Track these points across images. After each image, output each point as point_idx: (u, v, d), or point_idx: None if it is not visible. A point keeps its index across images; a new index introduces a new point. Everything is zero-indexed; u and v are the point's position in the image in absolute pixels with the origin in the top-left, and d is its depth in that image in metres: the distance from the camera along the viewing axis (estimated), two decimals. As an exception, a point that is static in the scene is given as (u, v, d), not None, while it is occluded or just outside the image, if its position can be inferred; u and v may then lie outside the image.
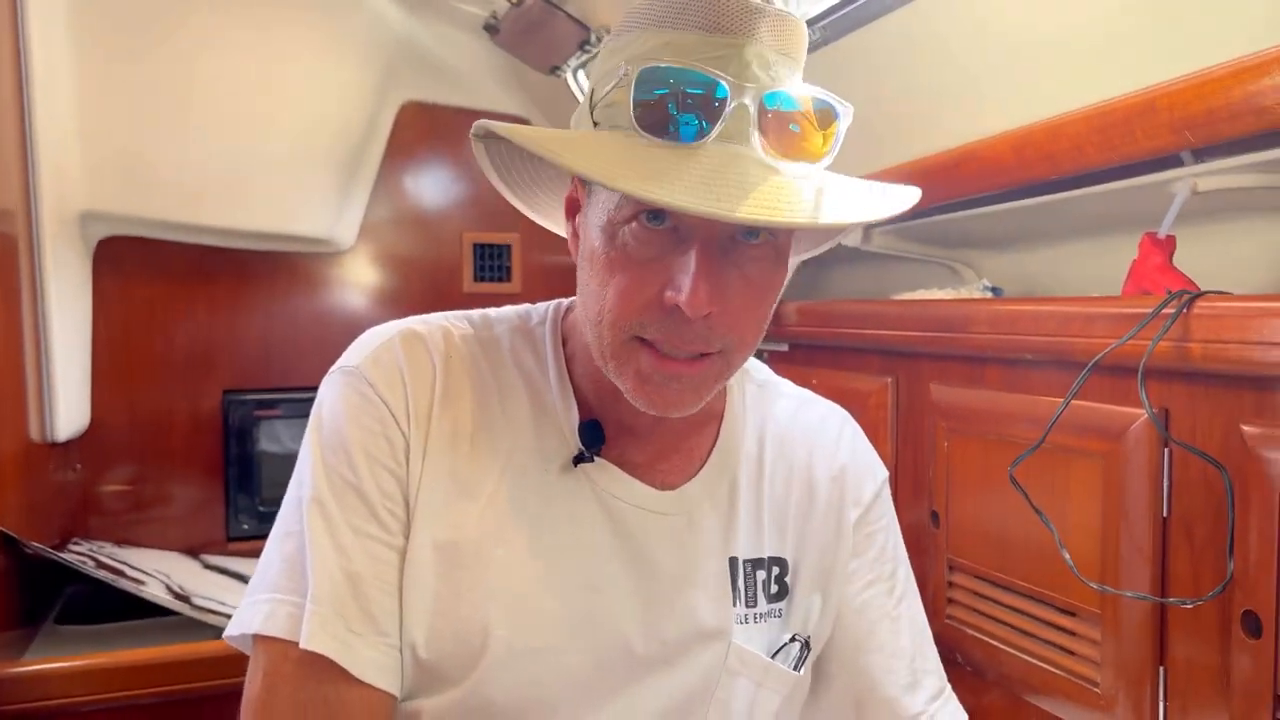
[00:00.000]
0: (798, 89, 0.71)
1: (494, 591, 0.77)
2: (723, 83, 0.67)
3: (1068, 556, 1.01)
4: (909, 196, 0.73)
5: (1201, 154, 1.00)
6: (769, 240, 0.73)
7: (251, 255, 2.32)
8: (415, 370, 0.81)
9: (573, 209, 0.82)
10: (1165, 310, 0.94)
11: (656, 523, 0.83)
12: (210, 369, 2.32)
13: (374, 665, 0.74)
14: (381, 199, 2.48)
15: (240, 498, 2.33)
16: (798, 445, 0.93)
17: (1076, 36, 1.06)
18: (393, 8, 2.27)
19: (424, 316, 0.86)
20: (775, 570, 0.87)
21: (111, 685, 1.57)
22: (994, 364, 1.25)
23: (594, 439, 0.82)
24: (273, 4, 2.13)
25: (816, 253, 0.91)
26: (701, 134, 0.68)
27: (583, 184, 0.79)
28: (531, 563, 0.79)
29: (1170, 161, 1.03)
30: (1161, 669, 1.01)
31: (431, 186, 2.55)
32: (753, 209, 0.63)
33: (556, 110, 2.47)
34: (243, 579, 2.11)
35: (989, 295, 1.46)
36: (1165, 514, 1.00)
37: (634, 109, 0.68)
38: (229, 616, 1.81)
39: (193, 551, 2.28)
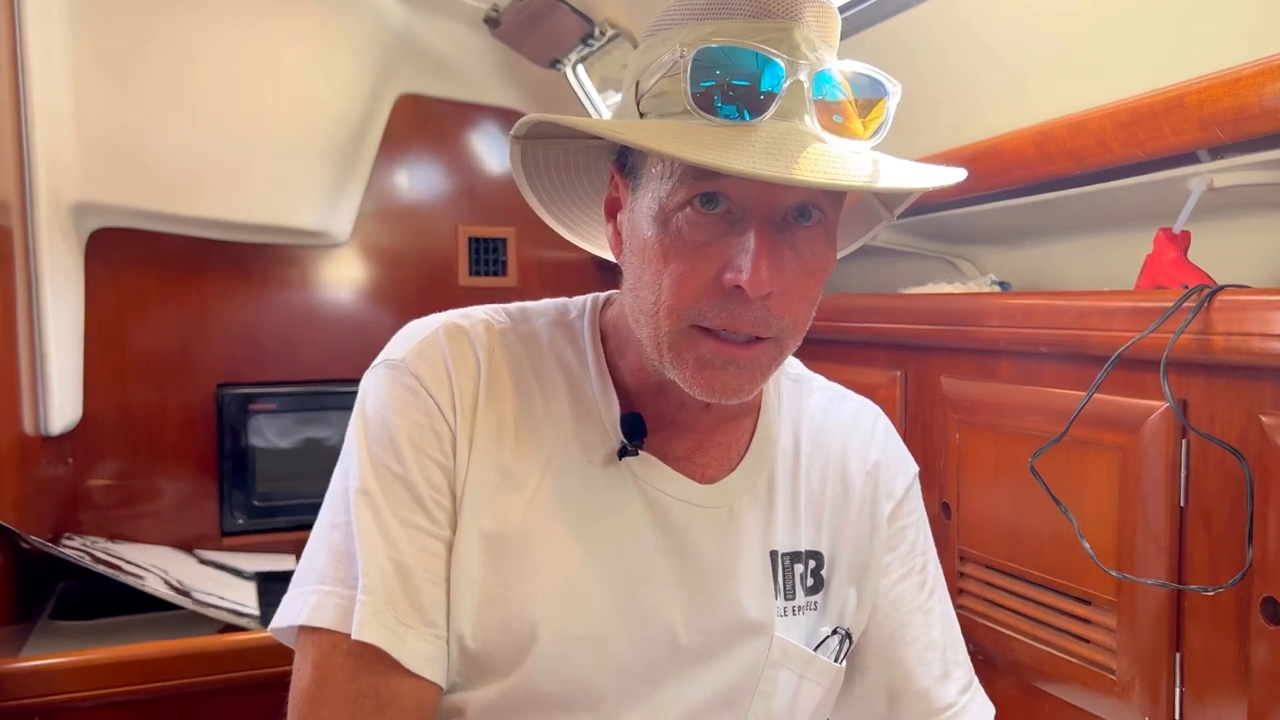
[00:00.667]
0: (849, 66, 0.72)
1: (541, 583, 0.78)
2: (778, 60, 0.68)
3: (1088, 546, 1.03)
4: (957, 174, 0.74)
5: (1218, 151, 1.01)
6: (820, 221, 0.74)
7: (246, 247, 2.31)
8: (460, 363, 0.81)
9: (613, 209, 0.83)
10: (1187, 304, 0.95)
11: (699, 515, 0.84)
12: (204, 362, 2.30)
13: (423, 656, 0.74)
14: (377, 192, 2.47)
15: (234, 492, 2.31)
16: (833, 439, 0.94)
17: (1091, 36, 1.08)
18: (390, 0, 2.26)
19: (463, 310, 0.86)
20: (812, 564, 0.88)
21: (111, 680, 1.56)
22: (1006, 357, 1.26)
23: (636, 431, 0.82)
24: (271, -6, 2.11)
25: (851, 249, 0.92)
26: (759, 111, 0.68)
27: (625, 181, 0.79)
28: (577, 554, 0.79)
29: (1186, 158, 1.05)
30: (1178, 655, 1.03)
31: (427, 179, 2.54)
32: (813, 174, 0.64)
33: (553, 105, 2.47)
34: (239, 574, 2.10)
35: (997, 290, 1.48)
36: (1183, 504, 1.02)
37: (690, 89, 0.69)
38: (231, 611, 1.80)
39: (186, 546, 2.26)
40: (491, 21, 2.11)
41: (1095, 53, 1.04)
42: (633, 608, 0.80)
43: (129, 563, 1.96)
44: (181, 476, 2.29)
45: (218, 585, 1.97)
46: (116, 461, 2.24)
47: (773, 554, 0.87)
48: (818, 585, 0.89)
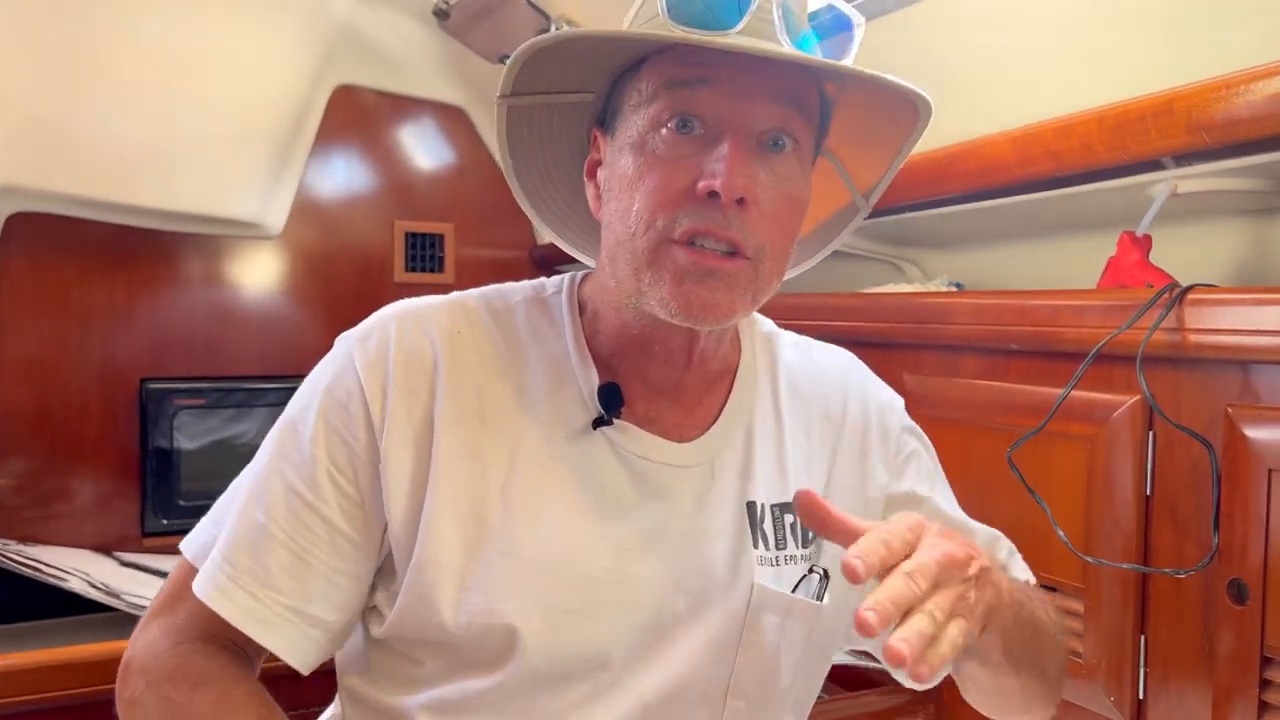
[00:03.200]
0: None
1: (526, 561, 0.78)
2: None
3: (1062, 533, 1.07)
4: (925, 97, 0.78)
5: (1183, 158, 1.07)
6: (794, 150, 0.77)
7: (174, 237, 2.22)
8: (406, 351, 0.81)
9: (593, 170, 0.85)
10: (1160, 301, 1.00)
11: (680, 475, 0.85)
12: (127, 356, 2.20)
13: (247, 614, 0.79)
14: (311, 184, 2.41)
15: (157, 492, 2.21)
16: (813, 390, 0.95)
17: (1064, 45, 1.13)
18: (335, -14, 2.21)
19: (443, 295, 0.88)
20: None
21: (41, 685, 1.47)
22: (970, 354, 1.30)
23: (614, 401, 0.83)
24: (210, -27, 2.04)
25: (829, 250, 0.97)
26: (728, 24, 0.72)
27: (605, 135, 0.82)
28: (561, 528, 0.80)
29: (1149, 165, 1.10)
30: (1142, 638, 1.08)
31: (363, 173, 2.49)
32: (791, 55, 0.71)
33: (496, 101, 2.45)
34: (165, 576, 2.01)
35: (953, 290, 1.53)
36: (1148, 494, 1.07)
37: (665, 4, 0.73)
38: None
39: (105, 549, 2.16)
40: (441, 13, 2.08)
41: (1079, 57, 1.09)
42: (622, 576, 0.81)
43: (49, 565, 1.86)
44: (100, 475, 2.19)
45: (145, 587, 1.88)
46: (29, 460, 2.12)
47: (750, 504, 0.87)
48: (811, 536, 0.89)
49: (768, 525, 0.88)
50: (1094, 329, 1.07)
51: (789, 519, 0.89)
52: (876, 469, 0.95)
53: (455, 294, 0.88)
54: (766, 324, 1.00)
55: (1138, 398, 1.06)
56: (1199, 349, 0.99)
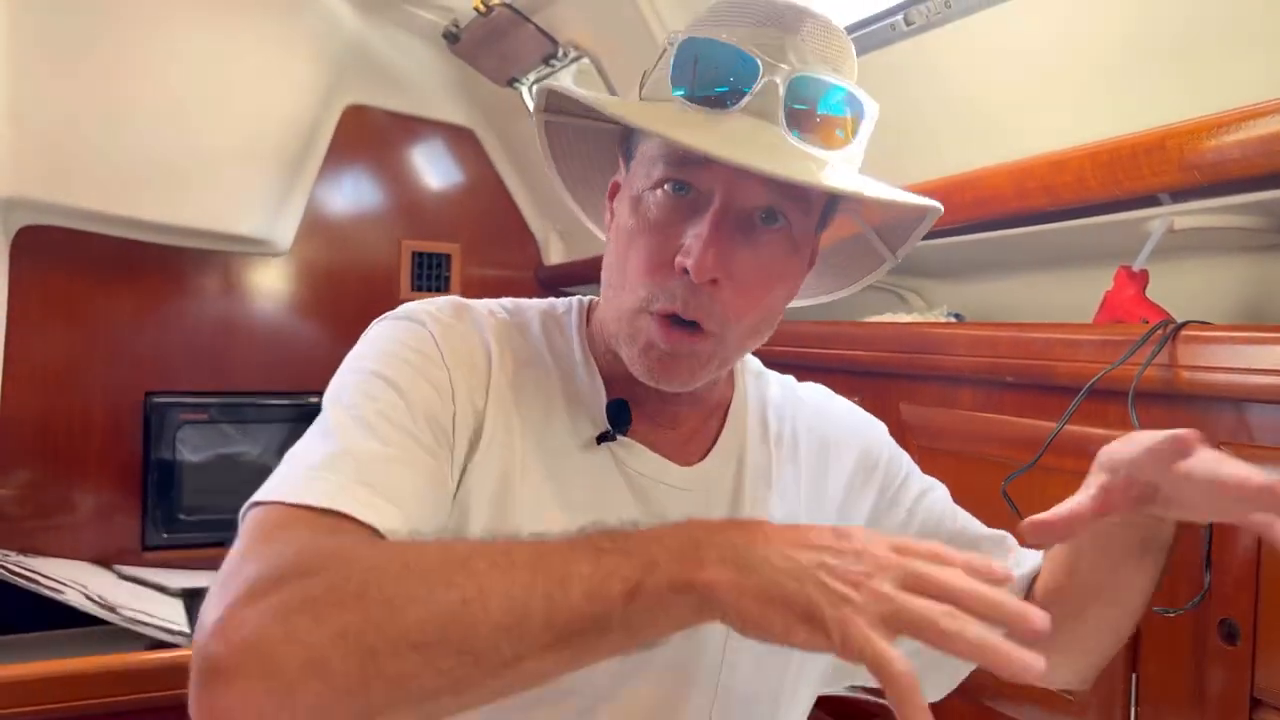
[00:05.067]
0: (827, 77, 0.76)
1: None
2: (754, 58, 0.73)
3: (1054, 568, 1.06)
4: (931, 204, 0.80)
5: (1179, 194, 1.07)
6: (784, 228, 0.78)
7: (182, 252, 2.24)
8: (465, 334, 0.82)
9: (614, 193, 0.86)
10: (1153, 337, 1.00)
11: (676, 498, 0.86)
12: (132, 369, 2.22)
13: (391, 521, 0.66)
14: (320, 202, 2.44)
15: (159, 506, 2.22)
16: (798, 424, 0.97)
17: (1072, 77, 1.13)
18: (347, 8, 2.23)
19: (458, 298, 0.88)
20: None
21: (35, 698, 1.48)
22: (968, 385, 1.30)
23: (622, 417, 0.84)
24: (224, -6, 2.07)
25: (849, 290, 0.96)
26: (732, 102, 0.73)
27: (626, 166, 0.84)
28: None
29: (1146, 200, 1.10)
30: (1134, 676, 1.07)
31: (371, 192, 2.51)
32: (768, 165, 0.69)
33: (504, 123, 2.47)
34: (164, 590, 2.01)
35: (952, 320, 1.53)
36: (1141, 530, 1.06)
37: (671, 72, 0.75)
38: (159, 628, 1.73)
39: (104, 561, 2.17)
40: (450, 36, 2.10)
41: (1076, 93, 1.10)
42: None
43: (46, 576, 1.86)
44: (102, 488, 2.20)
45: (142, 601, 1.89)
46: (31, 470, 2.14)
47: None
48: None
49: None
50: (1088, 363, 1.07)
51: None
52: (864, 499, 0.96)
53: (477, 301, 0.88)
54: (755, 364, 1.01)
55: (1131, 434, 1.05)
56: (1192, 386, 0.98)
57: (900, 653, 0.54)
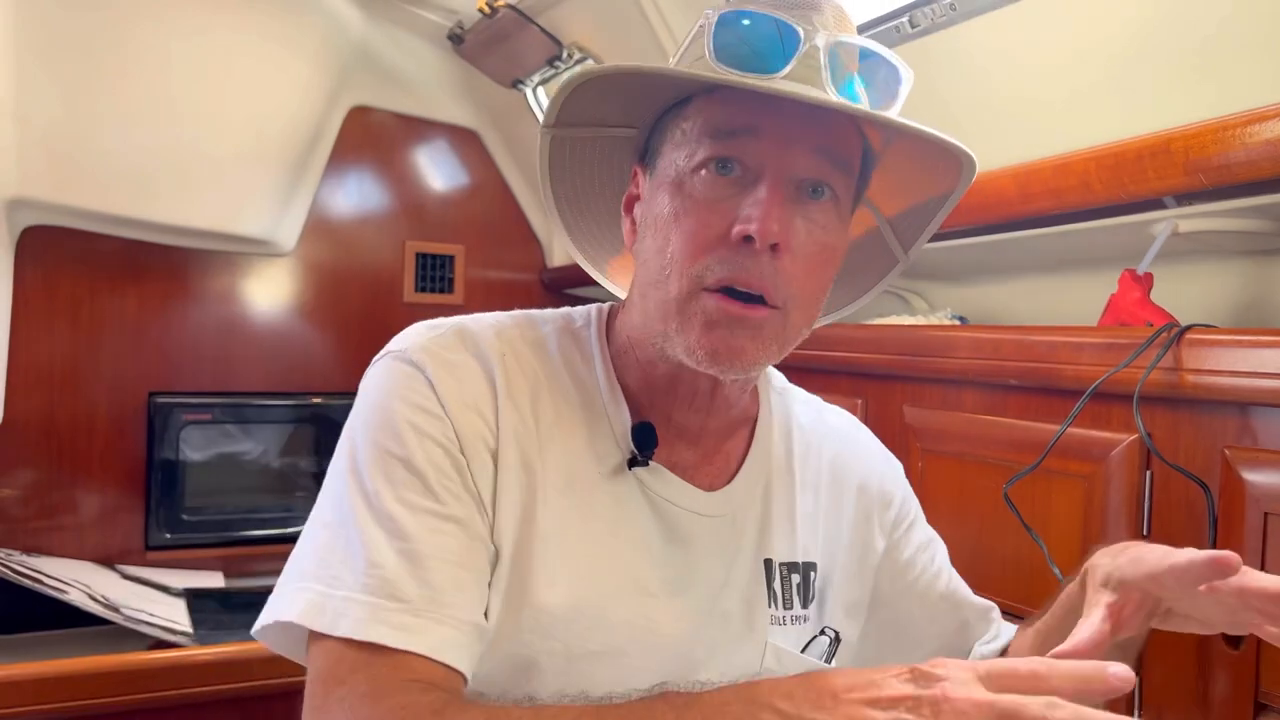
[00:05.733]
0: (865, 42, 0.76)
1: (553, 600, 0.76)
2: (794, 25, 0.73)
3: (1058, 571, 1.06)
4: (969, 155, 0.78)
5: (1184, 198, 1.07)
6: (832, 199, 0.76)
7: (187, 253, 2.24)
8: (466, 366, 0.79)
9: (631, 204, 0.84)
10: (1158, 340, 1.00)
11: (703, 524, 0.84)
12: (136, 369, 2.22)
13: (444, 642, 0.69)
14: (324, 203, 2.44)
15: (162, 506, 2.22)
16: (823, 452, 0.95)
17: (1083, 80, 1.13)
18: (352, 10, 2.23)
19: (471, 315, 0.85)
20: (810, 575, 0.90)
21: (39, 697, 1.48)
22: (971, 388, 1.30)
23: (647, 442, 0.81)
24: (229, -5, 2.07)
25: (866, 299, 0.95)
26: (774, 69, 0.72)
27: (645, 171, 0.82)
28: (586, 567, 0.78)
29: (1151, 204, 1.10)
30: (1138, 680, 1.07)
31: (375, 193, 2.51)
32: (837, 104, 0.70)
33: (509, 124, 2.47)
34: (167, 590, 2.02)
35: (956, 323, 1.53)
36: (1145, 533, 1.06)
37: (713, 42, 0.73)
38: (162, 628, 1.73)
39: (107, 561, 2.17)
40: (455, 38, 2.11)
41: (1085, 96, 1.09)
42: (639, 621, 0.79)
43: (49, 576, 1.87)
44: (106, 488, 2.20)
45: (145, 601, 1.89)
46: (36, 470, 2.14)
47: (767, 562, 0.87)
48: (813, 596, 0.90)
49: (778, 584, 0.87)
50: (1091, 366, 1.07)
51: (795, 579, 0.89)
52: (876, 536, 0.95)
53: (488, 314, 0.86)
54: (779, 379, 0.99)
55: (1135, 437, 1.05)
56: (1196, 389, 0.98)
57: None
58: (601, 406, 0.83)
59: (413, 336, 0.80)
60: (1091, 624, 0.70)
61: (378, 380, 0.79)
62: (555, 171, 0.86)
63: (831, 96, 0.72)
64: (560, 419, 0.81)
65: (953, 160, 0.78)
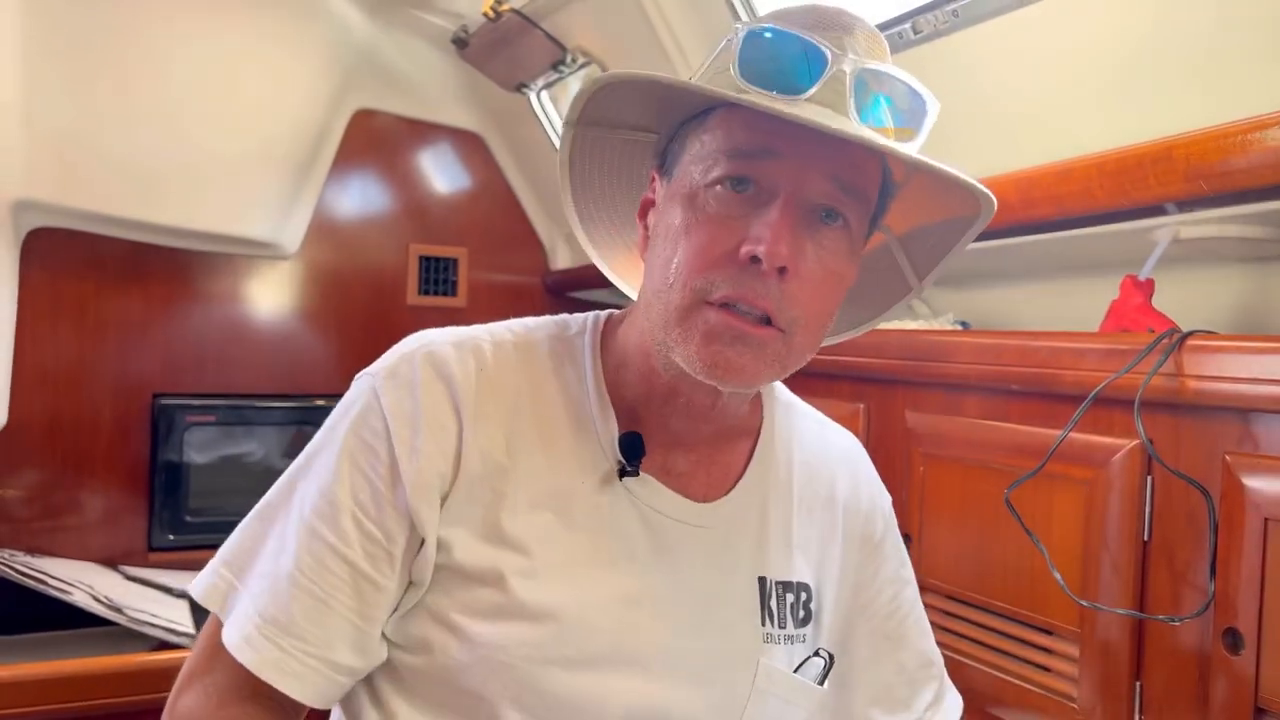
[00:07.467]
0: (892, 71, 0.75)
1: (538, 612, 0.77)
2: (822, 48, 0.72)
3: (1059, 576, 1.07)
4: (988, 196, 0.79)
5: (1185, 204, 1.08)
6: (844, 226, 0.76)
7: (191, 255, 2.25)
8: (432, 389, 0.79)
9: (645, 210, 0.84)
10: (1159, 346, 1.00)
11: (693, 536, 0.84)
12: (140, 371, 2.23)
13: (288, 673, 0.76)
14: (328, 206, 2.44)
15: (166, 507, 2.23)
16: (822, 472, 0.95)
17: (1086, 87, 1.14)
18: (356, 14, 2.24)
19: (464, 331, 0.85)
20: (804, 595, 0.89)
21: (43, 698, 1.48)
22: (973, 393, 1.30)
23: (635, 451, 0.81)
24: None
25: (876, 323, 0.95)
26: (799, 90, 0.72)
27: (662, 178, 0.82)
28: (573, 577, 0.79)
29: (1153, 210, 1.11)
30: (1138, 685, 1.07)
31: (379, 196, 2.52)
32: (859, 134, 0.69)
33: (512, 128, 2.48)
34: (169, 591, 2.02)
35: (959, 328, 1.53)
36: (1146, 539, 1.06)
37: (739, 60, 0.72)
38: (165, 629, 1.74)
39: (111, 562, 2.18)
40: (460, 42, 2.11)
41: (1089, 102, 1.10)
42: (626, 632, 0.79)
43: (53, 577, 1.87)
44: (109, 489, 2.21)
45: (149, 602, 1.90)
46: (40, 471, 2.15)
47: (761, 580, 0.87)
48: (808, 617, 0.89)
49: (773, 602, 0.87)
50: (1093, 372, 1.07)
51: (790, 598, 0.88)
52: (860, 562, 0.96)
53: (478, 327, 0.86)
54: (785, 392, 0.99)
55: (1136, 442, 1.05)
56: (1198, 395, 0.99)
57: None
58: (589, 416, 0.83)
59: (389, 358, 0.82)
60: None
61: (346, 398, 0.82)
62: (573, 168, 0.87)
63: (854, 124, 0.72)
64: (542, 431, 0.82)
65: (969, 195, 0.78)
